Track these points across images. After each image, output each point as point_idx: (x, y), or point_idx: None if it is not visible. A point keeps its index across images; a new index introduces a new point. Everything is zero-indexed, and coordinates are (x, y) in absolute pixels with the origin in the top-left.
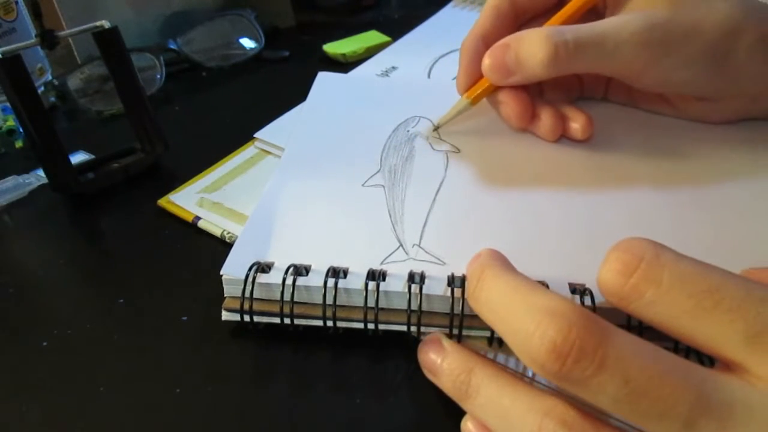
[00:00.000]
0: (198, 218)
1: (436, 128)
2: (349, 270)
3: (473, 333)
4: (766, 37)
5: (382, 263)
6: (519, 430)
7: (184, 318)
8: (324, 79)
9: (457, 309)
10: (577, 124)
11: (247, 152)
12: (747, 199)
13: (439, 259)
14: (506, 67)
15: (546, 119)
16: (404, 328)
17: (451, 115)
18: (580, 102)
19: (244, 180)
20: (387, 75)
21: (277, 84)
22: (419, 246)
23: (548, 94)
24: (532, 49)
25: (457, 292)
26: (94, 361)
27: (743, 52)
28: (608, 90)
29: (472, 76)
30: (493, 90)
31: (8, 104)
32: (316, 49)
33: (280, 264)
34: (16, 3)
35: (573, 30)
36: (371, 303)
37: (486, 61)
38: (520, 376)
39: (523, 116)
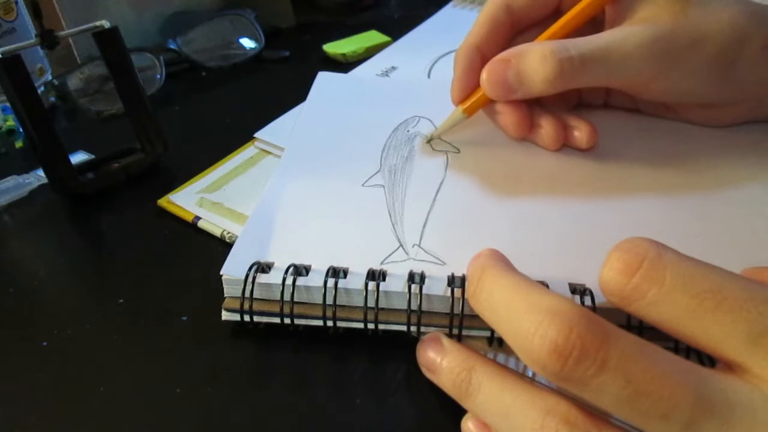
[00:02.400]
0: (198, 218)
1: (430, 140)
2: (349, 270)
3: (473, 333)
4: None
5: (382, 263)
6: (520, 429)
7: (184, 318)
8: (324, 79)
9: (457, 309)
10: (580, 134)
11: (247, 152)
12: (748, 200)
13: (439, 259)
14: (507, 83)
15: (547, 128)
16: (404, 328)
17: (445, 127)
18: (579, 107)
19: (244, 180)
20: (387, 75)
21: (277, 84)
22: (419, 246)
23: (547, 102)
24: (534, 65)
25: (457, 292)
26: (94, 361)
27: (749, 59)
28: (608, 96)
29: (467, 86)
30: (489, 100)
31: (8, 104)
32: (316, 49)
33: (280, 264)
34: (16, 3)
35: (577, 44)
36: (371, 303)
37: (484, 76)
38: (521, 375)
39: (521, 126)
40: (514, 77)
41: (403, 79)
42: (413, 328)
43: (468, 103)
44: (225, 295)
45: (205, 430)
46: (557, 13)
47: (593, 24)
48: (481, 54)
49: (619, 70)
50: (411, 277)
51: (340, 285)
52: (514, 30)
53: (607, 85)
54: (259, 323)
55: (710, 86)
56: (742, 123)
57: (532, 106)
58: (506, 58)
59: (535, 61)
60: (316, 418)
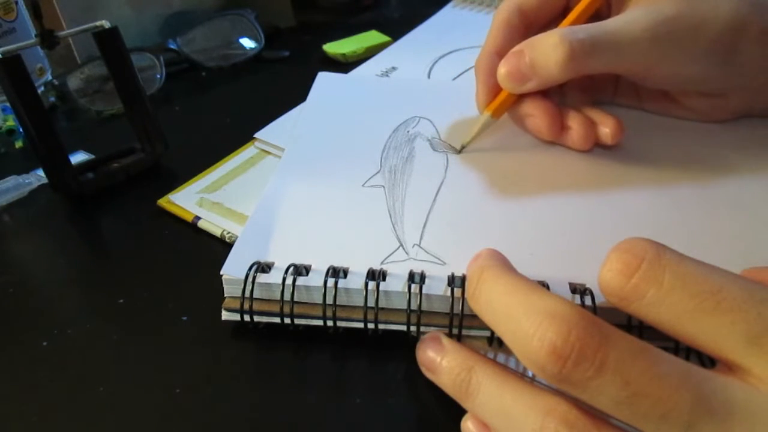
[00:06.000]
0: (198, 218)
1: (462, 149)
2: (349, 270)
3: (473, 333)
4: None
5: (382, 263)
6: (520, 429)
7: (184, 318)
8: (324, 79)
9: (457, 309)
10: (607, 129)
11: (247, 152)
12: (749, 199)
13: (439, 259)
14: (522, 72)
15: (577, 128)
16: (404, 327)
17: (474, 133)
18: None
19: (244, 180)
20: (387, 75)
21: (277, 84)
22: (419, 246)
23: (569, 98)
24: (546, 51)
25: (457, 292)
26: (94, 361)
27: (749, 45)
28: (616, 93)
29: (491, 91)
30: (514, 101)
31: (8, 104)
32: (316, 49)
33: (280, 264)
34: (16, 3)
35: (585, 29)
36: (371, 303)
37: (501, 70)
38: (521, 375)
39: (553, 126)
40: (528, 65)
41: (403, 80)
42: (413, 328)
43: (494, 106)
44: (225, 295)
45: (204, 430)
46: (567, 12)
47: (598, 16)
48: (501, 59)
49: (626, 53)
50: (411, 277)
51: (340, 285)
52: (528, 32)
53: (615, 69)
54: (259, 323)
55: (711, 72)
56: (744, 115)
57: (561, 106)
58: (519, 50)
59: (547, 47)
60: (316, 418)
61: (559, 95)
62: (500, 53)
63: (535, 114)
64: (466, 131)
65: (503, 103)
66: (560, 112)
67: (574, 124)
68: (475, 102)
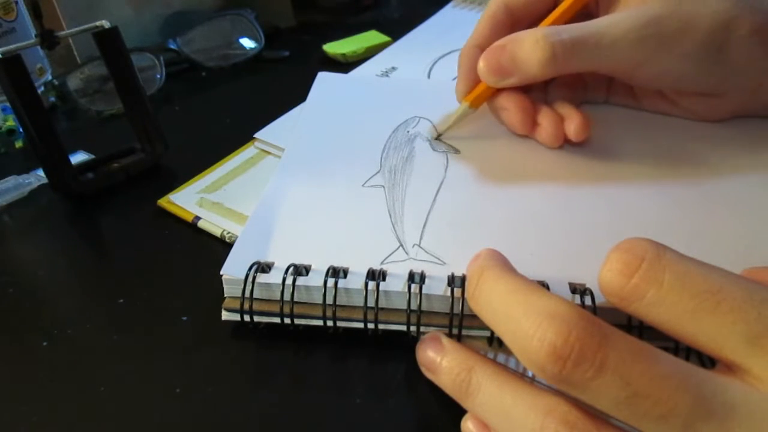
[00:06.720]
0: (198, 218)
1: (438, 136)
2: (349, 270)
3: (473, 333)
4: (760, 29)
5: (382, 263)
6: (520, 429)
7: (184, 318)
8: (324, 79)
9: (457, 309)
10: (572, 125)
11: (247, 152)
12: (748, 198)
13: (439, 259)
14: (502, 68)
15: (546, 125)
16: (404, 327)
17: (452, 122)
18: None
19: (244, 180)
20: (387, 75)
21: (277, 84)
22: (419, 246)
23: (553, 92)
24: (528, 48)
25: (457, 292)
26: (94, 361)
27: (737, 44)
28: (610, 92)
29: (471, 83)
30: (492, 94)
31: (8, 104)
32: (316, 49)
33: (280, 264)
34: (16, 3)
35: (569, 29)
36: (371, 303)
37: (481, 64)
38: (521, 375)
39: (525, 121)
40: (509, 61)
41: (403, 79)
42: (413, 328)
43: (472, 96)
44: (225, 295)
45: (205, 430)
46: (554, 10)
47: (588, 15)
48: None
49: (608, 53)
50: (411, 277)
51: (340, 285)
52: (514, 28)
53: (598, 69)
54: (259, 323)
55: (700, 72)
56: (742, 115)
57: (536, 102)
58: (502, 45)
59: (529, 45)
60: (316, 419)
61: (543, 91)
62: (483, 47)
63: (509, 108)
64: (445, 120)
65: (481, 95)
66: (534, 107)
67: (544, 121)
68: (455, 92)
